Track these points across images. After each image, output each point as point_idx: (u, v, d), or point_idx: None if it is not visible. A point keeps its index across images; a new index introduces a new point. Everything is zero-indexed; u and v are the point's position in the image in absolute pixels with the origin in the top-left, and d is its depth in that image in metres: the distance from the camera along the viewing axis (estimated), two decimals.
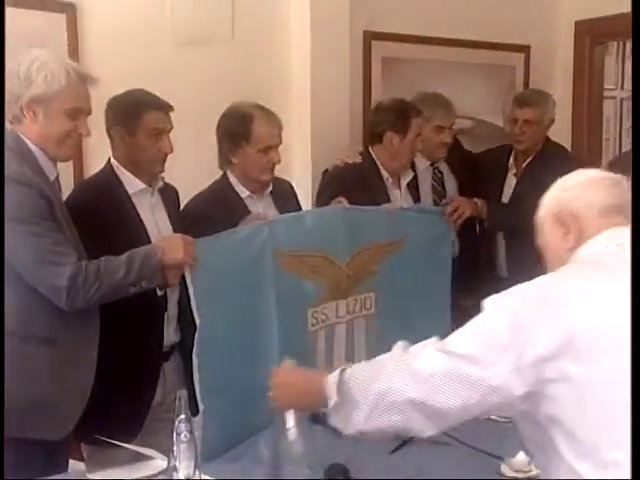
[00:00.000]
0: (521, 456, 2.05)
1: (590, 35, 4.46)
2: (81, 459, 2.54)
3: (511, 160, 3.62)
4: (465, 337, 1.50)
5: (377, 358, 1.70)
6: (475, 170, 3.58)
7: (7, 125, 2.25)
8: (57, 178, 2.32)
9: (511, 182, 3.59)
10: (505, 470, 2.06)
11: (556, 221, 1.64)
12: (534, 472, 2.02)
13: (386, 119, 3.25)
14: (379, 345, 2.79)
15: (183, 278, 2.32)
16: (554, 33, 4.49)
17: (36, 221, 2.11)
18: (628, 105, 5.77)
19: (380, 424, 1.55)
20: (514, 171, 3.60)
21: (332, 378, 1.67)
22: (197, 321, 2.30)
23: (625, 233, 1.54)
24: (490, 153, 3.75)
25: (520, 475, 2.04)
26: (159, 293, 2.40)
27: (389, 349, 2.82)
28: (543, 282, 1.51)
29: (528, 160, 3.56)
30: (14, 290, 2.15)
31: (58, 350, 2.20)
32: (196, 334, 2.31)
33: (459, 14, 4.03)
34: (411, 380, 1.52)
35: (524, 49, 4.37)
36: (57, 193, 2.29)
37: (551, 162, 3.50)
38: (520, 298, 1.47)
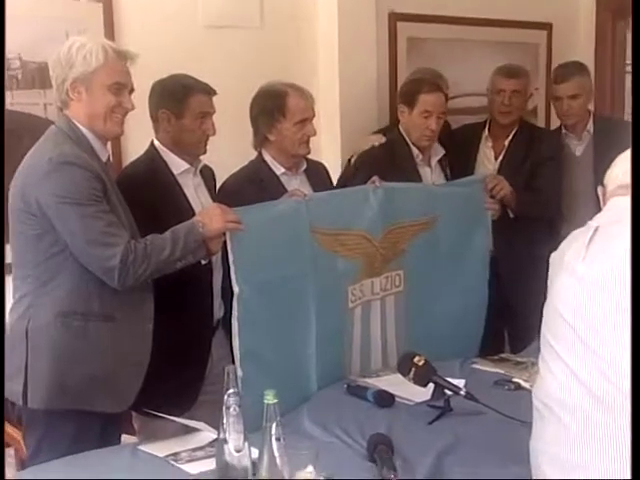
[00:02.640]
0: None
1: (611, 11, 4.48)
2: (133, 433, 2.63)
3: (486, 133, 3.62)
4: None
5: None
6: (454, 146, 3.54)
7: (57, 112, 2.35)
8: (109, 159, 2.40)
9: (488, 155, 3.59)
10: None
11: None
12: None
13: (400, 92, 3.33)
14: (407, 320, 2.90)
15: (225, 255, 2.41)
16: (576, 10, 4.51)
17: (90, 203, 2.18)
18: None
19: None
20: (490, 144, 3.60)
21: None
22: (235, 288, 2.38)
23: None
24: (464, 128, 3.76)
25: None
26: (203, 262, 2.47)
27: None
28: None
29: (512, 133, 3.57)
30: (72, 271, 2.23)
31: (116, 325, 2.28)
32: (234, 300, 2.38)
33: None
34: None
35: (546, 26, 4.39)
36: (110, 174, 2.36)
37: (533, 135, 3.59)
38: None
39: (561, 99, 3.56)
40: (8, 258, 2.50)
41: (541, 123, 4.30)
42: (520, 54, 4.17)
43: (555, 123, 4.09)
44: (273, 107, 2.80)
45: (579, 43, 4.51)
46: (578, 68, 3.64)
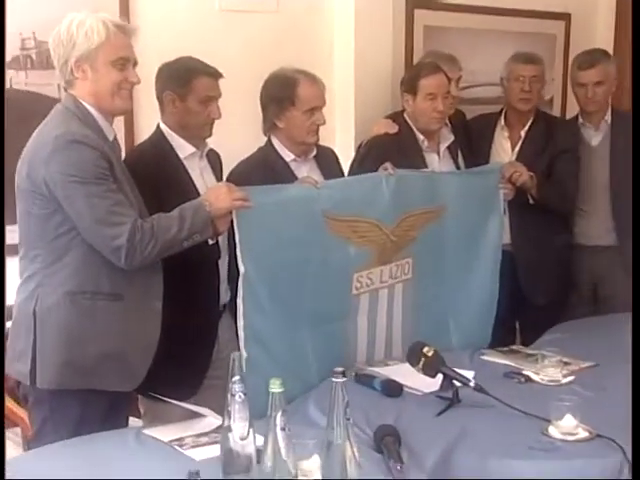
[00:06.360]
0: (568, 419, 2.06)
1: (633, 2, 4.41)
2: (139, 416, 2.62)
3: (502, 122, 3.56)
4: None
5: None
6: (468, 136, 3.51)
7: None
8: (115, 138, 2.37)
9: (504, 145, 3.53)
10: (553, 432, 2.07)
11: None
12: (582, 435, 2.05)
13: (402, 81, 3.29)
14: (413, 309, 2.88)
15: (232, 238, 2.39)
16: (595, 1, 4.46)
17: (97, 182, 2.16)
18: None
19: None
20: (506, 134, 3.54)
21: None
22: (241, 268, 2.37)
23: None
24: (479, 118, 3.69)
25: (568, 438, 2.05)
26: (210, 242, 2.45)
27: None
28: None
29: (529, 123, 3.51)
30: (80, 250, 2.22)
31: (124, 304, 2.27)
32: (239, 280, 2.37)
33: None
34: None
35: (564, 17, 4.34)
36: (117, 153, 2.34)
37: (550, 125, 3.53)
38: None
39: (585, 86, 3.50)
40: (12, 239, 2.48)
41: (556, 114, 4.25)
42: (537, 44, 4.11)
43: (570, 115, 4.06)
44: (283, 95, 2.77)
45: (598, 34, 4.46)
46: (603, 55, 3.61)
